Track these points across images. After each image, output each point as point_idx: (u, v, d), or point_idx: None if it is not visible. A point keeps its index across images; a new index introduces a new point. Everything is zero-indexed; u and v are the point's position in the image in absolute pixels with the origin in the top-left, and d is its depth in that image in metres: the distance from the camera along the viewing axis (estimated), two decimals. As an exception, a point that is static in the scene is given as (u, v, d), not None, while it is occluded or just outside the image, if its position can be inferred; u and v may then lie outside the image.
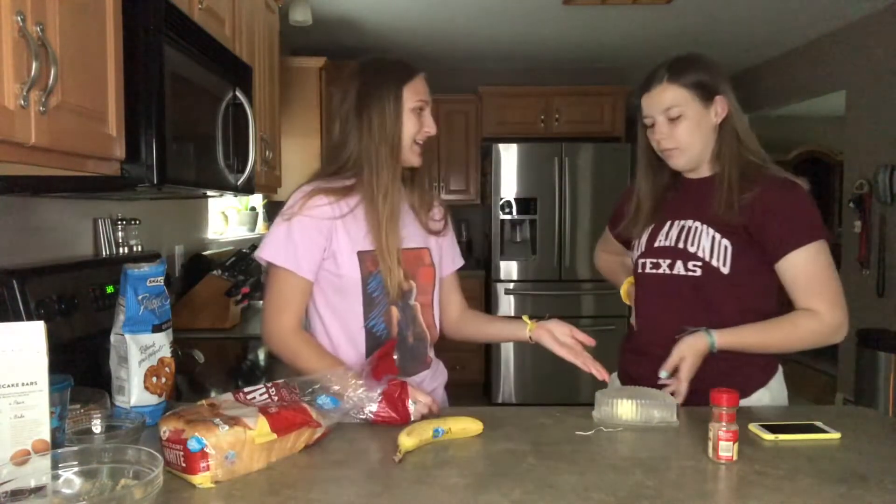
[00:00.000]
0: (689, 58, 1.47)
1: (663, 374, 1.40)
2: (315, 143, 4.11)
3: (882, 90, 4.05)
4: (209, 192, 1.92)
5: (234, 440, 1.01)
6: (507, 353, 4.73)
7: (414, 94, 1.41)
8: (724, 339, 1.39)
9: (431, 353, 1.54)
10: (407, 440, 1.13)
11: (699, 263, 1.43)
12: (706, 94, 1.43)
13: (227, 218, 3.37)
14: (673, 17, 4.09)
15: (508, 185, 4.72)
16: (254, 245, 2.73)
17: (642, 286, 1.55)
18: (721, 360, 1.41)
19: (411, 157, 1.44)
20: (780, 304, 1.47)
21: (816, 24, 4.36)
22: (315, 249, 1.38)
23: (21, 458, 0.92)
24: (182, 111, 1.55)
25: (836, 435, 1.22)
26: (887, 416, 1.42)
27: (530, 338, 1.47)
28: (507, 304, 4.72)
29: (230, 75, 1.90)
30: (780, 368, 1.53)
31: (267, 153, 2.59)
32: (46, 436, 0.95)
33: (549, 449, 1.16)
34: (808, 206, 1.40)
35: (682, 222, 1.48)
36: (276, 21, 2.83)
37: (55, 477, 0.91)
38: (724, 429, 1.09)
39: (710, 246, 1.43)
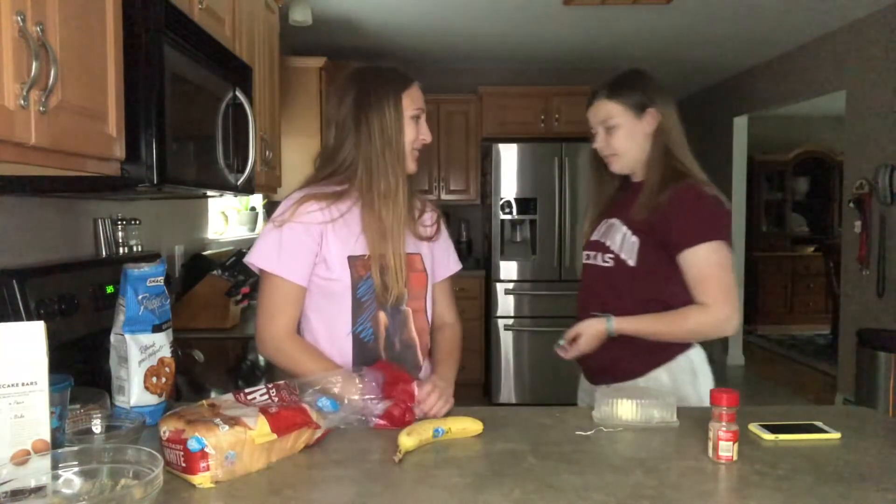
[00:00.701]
0: (627, 75, 1.66)
1: (560, 341, 1.61)
2: (315, 143, 4.11)
3: (882, 90, 4.05)
4: (209, 192, 1.92)
5: (235, 440, 1.01)
6: (507, 353, 4.73)
7: (412, 103, 1.43)
8: (620, 325, 1.55)
9: (426, 359, 1.52)
10: (407, 440, 1.13)
11: (612, 256, 1.62)
12: (639, 107, 1.60)
13: (227, 218, 3.37)
14: (673, 17, 4.09)
15: (508, 185, 4.72)
16: (254, 245, 2.73)
17: (583, 273, 1.75)
18: (621, 342, 1.56)
19: (410, 164, 1.45)
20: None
21: (816, 24, 4.36)
22: (307, 255, 1.39)
23: (21, 458, 0.92)
24: (182, 111, 1.55)
25: (836, 435, 1.22)
26: (887, 416, 1.42)
27: None
28: (507, 304, 4.72)
29: (230, 75, 1.90)
30: (693, 353, 1.61)
31: (267, 153, 2.59)
32: (46, 436, 0.95)
33: (549, 449, 1.16)
34: (711, 209, 1.54)
35: (610, 220, 1.66)
36: (276, 21, 2.83)
37: (55, 477, 0.91)
38: (724, 429, 1.09)
39: (620, 241, 1.60)
